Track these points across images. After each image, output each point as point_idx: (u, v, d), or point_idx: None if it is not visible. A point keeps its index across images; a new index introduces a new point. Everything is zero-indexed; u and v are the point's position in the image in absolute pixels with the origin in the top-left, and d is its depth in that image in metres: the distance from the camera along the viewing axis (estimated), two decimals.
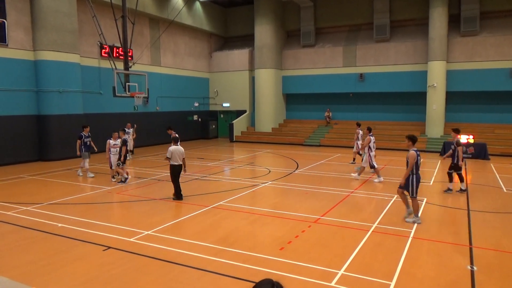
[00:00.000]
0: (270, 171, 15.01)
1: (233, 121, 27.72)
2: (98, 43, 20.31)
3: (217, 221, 8.46)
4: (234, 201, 10.28)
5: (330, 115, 26.66)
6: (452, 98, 23.06)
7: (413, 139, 8.30)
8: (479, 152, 18.37)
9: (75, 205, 9.90)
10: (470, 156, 18.48)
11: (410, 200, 8.44)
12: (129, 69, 17.50)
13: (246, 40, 29.29)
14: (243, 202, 10.27)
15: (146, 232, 7.67)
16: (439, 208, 9.72)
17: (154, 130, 23.81)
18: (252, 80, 28.31)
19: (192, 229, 7.91)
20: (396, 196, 10.65)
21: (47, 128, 17.47)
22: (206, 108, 29.81)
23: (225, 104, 29.55)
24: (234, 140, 27.26)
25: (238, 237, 7.46)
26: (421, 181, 8.53)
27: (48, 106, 17.41)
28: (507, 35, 21.22)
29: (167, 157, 10.26)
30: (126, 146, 13.17)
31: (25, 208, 9.56)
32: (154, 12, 23.16)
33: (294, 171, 15.04)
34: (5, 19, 16.13)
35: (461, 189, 11.26)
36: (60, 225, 8.15)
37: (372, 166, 13.09)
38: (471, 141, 18.75)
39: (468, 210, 9.37)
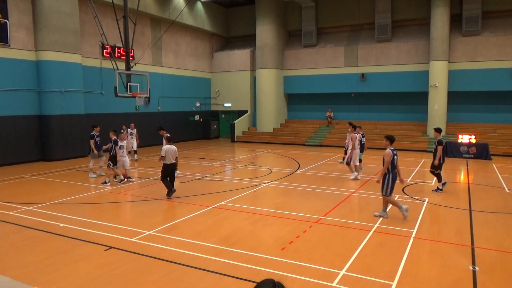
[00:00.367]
0: (271, 171, 15.01)
1: (235, 121, 27.72)
2: (100, 43, 20.34)
3: (219, 221, 8.47)
4: (235, 201, 10.28)
5: (332, 115, 26.64)
6: (454, 98, 23.02)
7: (390, 139, 8.57)
8: (481, 152, 18.33)
9: (77, 205, 9.91)
10: (472, 156, 18.45)
11: (387, 200, 8.61)
12: (131, 69, 17.54)
13: (248, 40, 29.30)
14: (244, 202, 10.27)
15: (148, 232, 7.68)
16: (441, 208, 9.70)
17: (156, 130, 23.76)
18: (254, 80, 28.31)
19: (193, 229, 7.92)
20: (397, 196, 10.65)
21: (49, 128, 17.51)
22: (208, 108, 29.82)
23: (226, 104, 29.56)
24: (236, 140, 27.27)
25: (240, 237, 7.46)
26: (407, 181, 8.69)
27: (50, 106, 17.45)
28: (509, 35, 21.17)
29: (161, 156, 10.44)
30: (116, 147, 13.07)
31: (27, 208, 9.58)
32: (156, 12, 23.18)
33: (296, 171, 15.04)
34: (7, 20, 16.18)
35: (437, 188, 11.29)
36: (62, 225, 8.16)
37: (347, 163, 13.48)
38: (473, 141, 18.72)
39: (470, 210, 9.35)
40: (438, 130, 11.35)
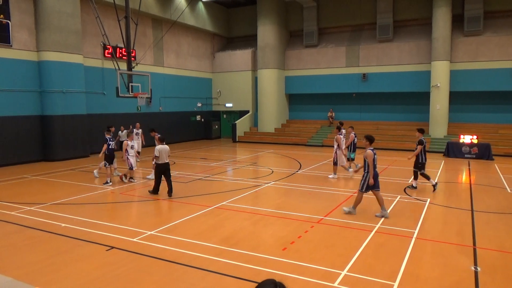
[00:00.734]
0: (273, 171, 15.00)
1: (236, 122, 27.72)
2: (101, 43, 20.38)
3: (220, 221, 8.47)
4: (237, 201, 10.28)
5: (333, 115, 26.61)
6: (456, 98, 22.97)
7: (370, 139, 8.90)
8: (483, 152, 18.29)
9: (78, 205, 9.93)
10: (474, 156, 18.40)
11: (380, 197, 8.73)
12: (132, 69, 17.52)
13: (249, 40, 29.30)
14: (246, 202, 10.26)
15: (149, 232, 7.69)
16: (443, 208, 9.68)
17: (157, 130, 23.77)
18: (255, 80, 28.31)
19: (195, 229, 7.92)
20: (399, 196, 10.64)
21: (50, 128, 17.55)
22: (209, 108, 29.83)
23: (228, 104, 29.57)
24: (237, 140, 27.27)
25: (241, 237, 7.46)
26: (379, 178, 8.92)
27: (51, 107, 17.48)
28: (511, 35, 21.11)
29: (155, 156, 10.68)
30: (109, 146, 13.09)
31: (29, 208, 9.60)
32: (157, 13, 23.21)
33: (297, 171, 15.03)
34: (9, 20, 16.22)
35: (412, 186, 11.67)
36: (63, 225, 8.18)
37: (335, 163, 13.53)
38: (475, 141, 18.67)
39: (472, 210, 9.33)
40: (420, 131, 11.79)
